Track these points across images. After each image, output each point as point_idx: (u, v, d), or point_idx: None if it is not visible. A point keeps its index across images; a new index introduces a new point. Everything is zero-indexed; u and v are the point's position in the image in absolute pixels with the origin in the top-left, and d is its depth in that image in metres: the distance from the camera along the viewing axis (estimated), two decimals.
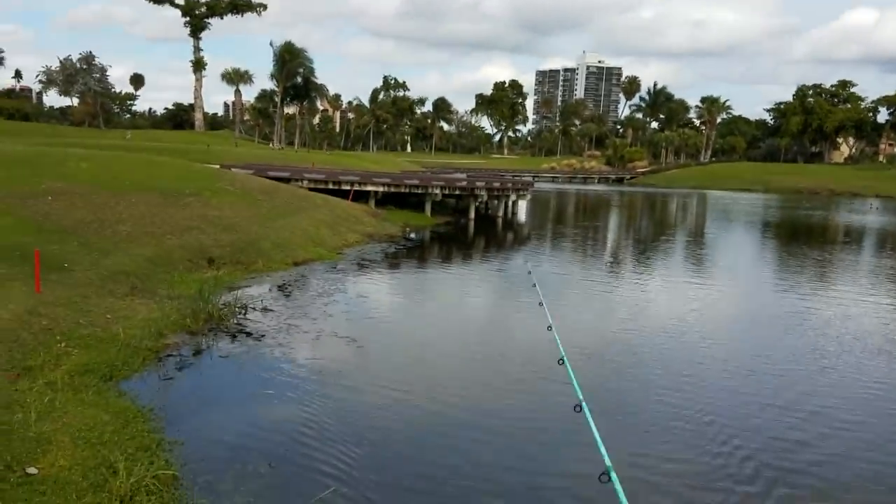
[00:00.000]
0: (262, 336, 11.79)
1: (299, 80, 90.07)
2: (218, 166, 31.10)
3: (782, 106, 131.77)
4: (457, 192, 36.46)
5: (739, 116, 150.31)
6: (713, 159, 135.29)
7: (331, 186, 31.68)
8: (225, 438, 7.73)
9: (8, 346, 8.93)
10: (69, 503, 5.85)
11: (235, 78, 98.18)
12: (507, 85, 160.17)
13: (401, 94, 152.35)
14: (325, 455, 7.41)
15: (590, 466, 6.19)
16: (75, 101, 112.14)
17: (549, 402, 9.36)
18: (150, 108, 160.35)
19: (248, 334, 11.85)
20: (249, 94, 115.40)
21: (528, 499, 6.85)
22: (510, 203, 41.10)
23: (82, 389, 8.39)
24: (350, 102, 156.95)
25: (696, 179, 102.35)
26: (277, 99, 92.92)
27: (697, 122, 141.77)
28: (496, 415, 8.97)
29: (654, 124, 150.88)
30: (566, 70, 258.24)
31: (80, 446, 6.90)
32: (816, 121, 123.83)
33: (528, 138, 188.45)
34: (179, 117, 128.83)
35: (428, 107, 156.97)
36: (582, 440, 6.38)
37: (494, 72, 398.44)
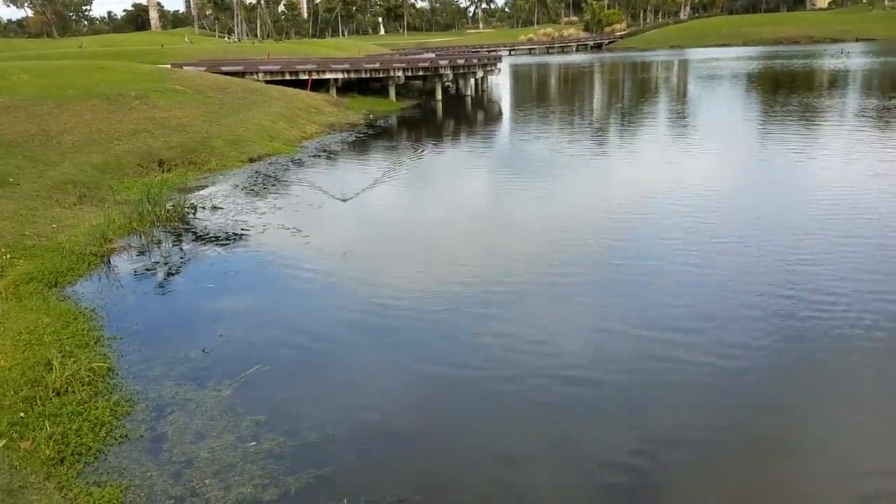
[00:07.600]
0: (208, 233, 12.11)
1: None
2: (168, 66, 30.23)
3: None
4: (420, 74, 35.69)
5: None
6: (696, 15, 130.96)
7: (287, 77, 30.93)
8: (162, 331, 8.19)
9: None
10: (6, 398, 6.35)
11: None
12: None
13: None
14: (255, 339, 7.90)
15: None
16: (30, 13, 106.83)
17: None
18: (110, 12, 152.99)
19: (194, 233, 12.16)
20: None
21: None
22: (479, 80, 40.37)
23: (26, 297, 8.78)
24: None
25: (673, 39, 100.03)
26: None
27: None
28: (432, 296, 9.42)
29: None
30: None
31: (21, 348, 7.35)
32: None
33: (506, 9, 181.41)
34: (140, 19, 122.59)
35: None
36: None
37: None
